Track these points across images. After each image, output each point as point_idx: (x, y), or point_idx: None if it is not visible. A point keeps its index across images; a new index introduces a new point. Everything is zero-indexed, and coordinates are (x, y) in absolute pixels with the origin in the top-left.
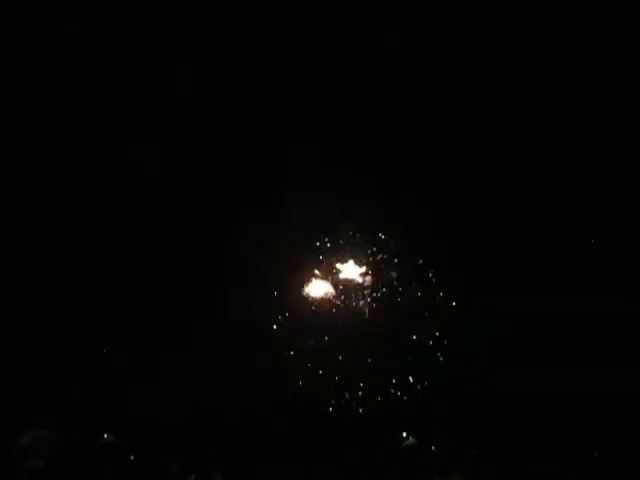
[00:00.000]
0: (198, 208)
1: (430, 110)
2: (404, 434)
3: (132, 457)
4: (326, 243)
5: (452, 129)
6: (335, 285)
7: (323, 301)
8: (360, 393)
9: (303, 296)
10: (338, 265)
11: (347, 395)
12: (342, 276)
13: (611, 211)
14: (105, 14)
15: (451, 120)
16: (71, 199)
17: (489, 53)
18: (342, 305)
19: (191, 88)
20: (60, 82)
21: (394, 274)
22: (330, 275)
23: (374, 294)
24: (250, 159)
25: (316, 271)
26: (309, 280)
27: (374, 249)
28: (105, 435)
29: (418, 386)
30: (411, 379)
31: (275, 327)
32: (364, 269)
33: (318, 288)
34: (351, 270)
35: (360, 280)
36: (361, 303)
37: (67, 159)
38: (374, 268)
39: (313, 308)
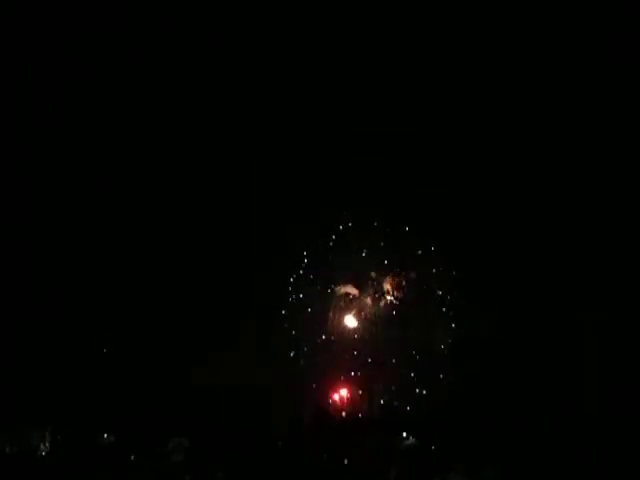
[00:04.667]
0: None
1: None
2: (404, 434)
3: (132, 457)
4: (340, 242)
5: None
6: (340, 284)
7: (328, 300)
8: (361, 393)
9: (308, 291)
10: (346, 265)
11: (348, 395)
12: (347, 277)
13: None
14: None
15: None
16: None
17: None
18: (346, 305)
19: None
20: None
21: (391, 279)
22: (335, 275)
23: (377, 295)
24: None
25: (325, 270)
26: (316, 277)
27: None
28: (105, 435)
29: (419, 386)
30: (412, 380)
31: (276, 327)
32: (371, 270)
33: (326, 287)
34: (359, 271)
35: (365, 281)
36: (365, 303)
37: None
38: (381, 270)
39: (317, 306)
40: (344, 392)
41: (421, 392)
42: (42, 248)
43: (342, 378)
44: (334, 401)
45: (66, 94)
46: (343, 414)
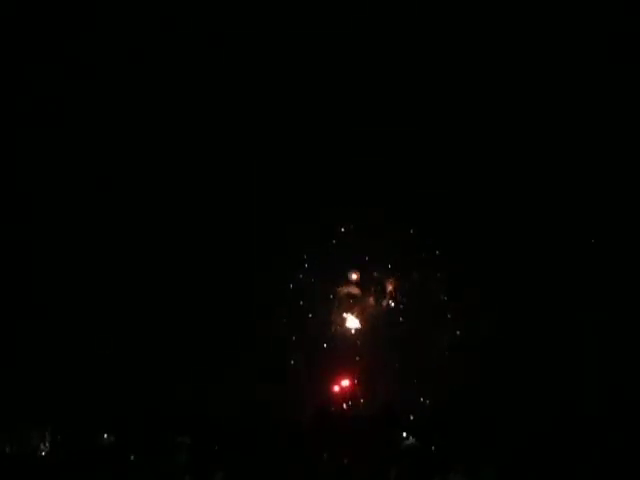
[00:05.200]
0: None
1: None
2: (404, 434)
3: (132, 457)
4: (346, 243)
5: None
6: (342, 285)
7: (329, 302)
8: (361, 393)
9: (310, 291)
10: (348, 268)
11: (348, 395)
12: (348, 279)
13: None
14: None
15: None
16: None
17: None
18: (345, 306)
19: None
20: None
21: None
22: (337, 276)
23: (379, 296)
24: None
25: (329, 272)
26: (317, 277)
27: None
28: (105, 435)
29: (419, 387)
30: (412, 380)
31: (277, 326)
32: (370, 273)
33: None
34: (360, 272)
35: (364, 283)
36: (366, 305)
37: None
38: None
39: (318, 306)
40: (345, 392)
41: (422, 392)
42: (42, 248)
43: (343, 378)
44: (334, 401)
45: (66, 94)
46: (343, 414)
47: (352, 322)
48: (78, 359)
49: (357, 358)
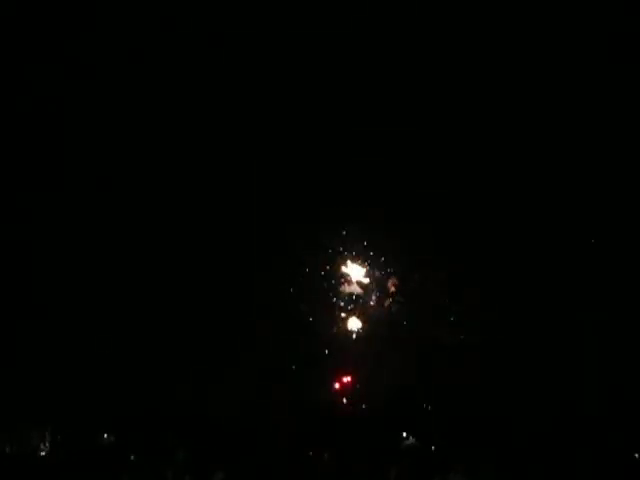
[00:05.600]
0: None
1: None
2: (404, 434)
3: (132, 457)
4: (347, 244)
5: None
6: (339, 286)
7: (329, 302)
8: (361, 393)
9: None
10: (348, 267)
11: (348, 395)
12: (349, 279)
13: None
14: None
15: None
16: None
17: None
18: (343, 306)
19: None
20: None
21: (395, 280)
22: (338, 276)
23: (381, 297)
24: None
25: (327, 272)
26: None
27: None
28: (105, 435)
29: (419, 387)
30: (412, 380)
31: (277, 326)
32: (372, 273)
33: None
34: (361, 273)
35: (366, 283)
36: (365, 304)
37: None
38: (380, 273)
39: (319, 308)
40: (345, 392)
41: (422, 393)
42: (42, 248)
43: (343, 379)
44: (335, 401)
45: (65, 94)
46: (344, 414)
47: (353, 322)
48: (78, 359)
49: (357, 358)
